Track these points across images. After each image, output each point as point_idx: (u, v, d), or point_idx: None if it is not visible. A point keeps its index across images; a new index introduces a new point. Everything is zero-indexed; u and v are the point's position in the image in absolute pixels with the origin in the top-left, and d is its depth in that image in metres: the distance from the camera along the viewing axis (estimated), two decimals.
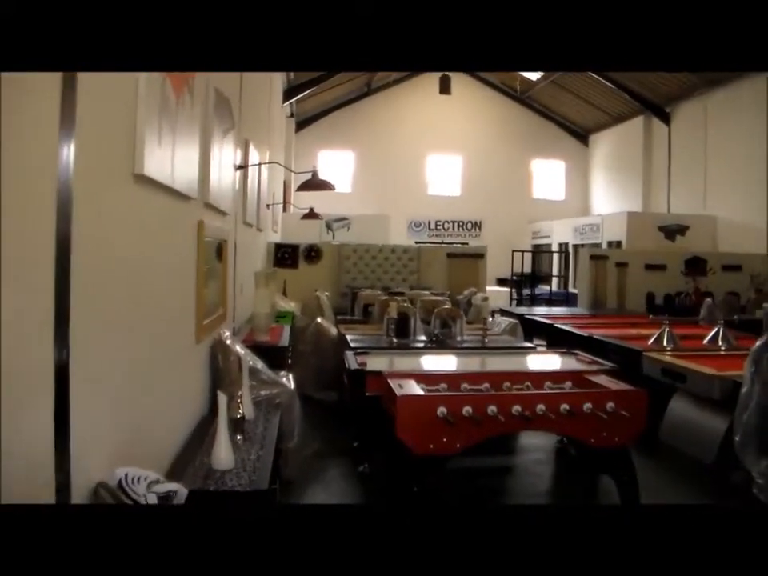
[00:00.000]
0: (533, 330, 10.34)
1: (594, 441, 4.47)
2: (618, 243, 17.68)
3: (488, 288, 14.11)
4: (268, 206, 11.64)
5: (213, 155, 4.96)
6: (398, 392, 4.44)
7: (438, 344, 7.48)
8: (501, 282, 21.05)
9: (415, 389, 4.63)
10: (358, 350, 6.35)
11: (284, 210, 17.99)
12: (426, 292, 11.60)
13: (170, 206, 3.69)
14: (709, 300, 11.44)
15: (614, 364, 6.00)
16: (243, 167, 7.07)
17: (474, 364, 6.22)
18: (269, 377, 5.45)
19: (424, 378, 5.06)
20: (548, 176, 26.20)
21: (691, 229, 17.33)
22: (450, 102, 24.00)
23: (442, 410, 4.24)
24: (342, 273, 13.29)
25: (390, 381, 4.81)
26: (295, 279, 12.76)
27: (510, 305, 17.52)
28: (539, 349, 8.06)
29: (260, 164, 8.48)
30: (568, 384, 5.14)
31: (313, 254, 13.21)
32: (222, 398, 3.70)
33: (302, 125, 23.49)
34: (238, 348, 5.51)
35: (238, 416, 4.30)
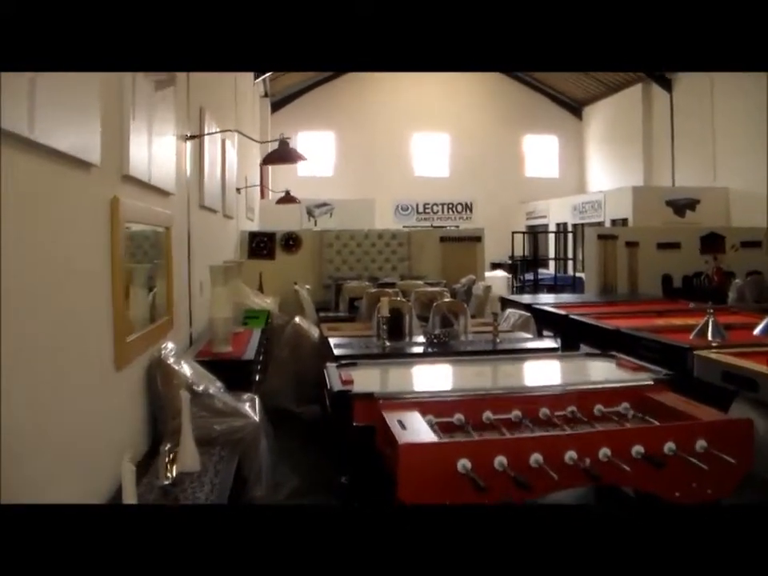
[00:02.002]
0: (541, 321, 8.99)
1: (680, 495, 3.13)
2: (624, 221, 16.38)
3: (486, 274, 12.89)
4: (239, 189, 10.34)
5: (135, 111, 3.62)
6: (400, 436, 3.09)
7: (440, 346, 6.18)
8: (495, 266, 19.69)
9: (422, 429, 3.28)
10: (343, 362, 5.04)
11: (261, 196, 16.72)
12: (420, 282, 10.25)
13: (36, 169, 2.36)
14: (738, 281, 10.26)
15: (663, 369, 4.69)
16: (195, 137, 5.72)
17: (490, 376, 4.91)
18: (226, 404, 4.15)
19: (432, 405, 3.72)
20: (541, 153, 24.96)
21: (702, 202, 16.07)
22: (434, 77, 22.76)
23: (464, 464, 2.90)
24: (325, 262, 11.91)
25: (386, 414, 3.48)
26: (272, 271, 11.42)
27: (512, 292, 16.19)
28: (553, 346, 6.78)
29: (222, 132, 7.11)
30: (625, 406, 3.83)
31: (291, 242, 11.84)
32: (127, 469, 2.38)
33: (277, 105, 22.15)
34: (185, 368, 4.21)
35: (167, 482, 2.98)
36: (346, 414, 4.07)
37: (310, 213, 17.16)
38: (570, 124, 24.77)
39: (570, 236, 20.19)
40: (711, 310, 6.45)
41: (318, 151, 23.40)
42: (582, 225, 18.67)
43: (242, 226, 11.66)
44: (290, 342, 7.35)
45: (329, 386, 4.39)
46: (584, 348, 8.54)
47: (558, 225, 20.93)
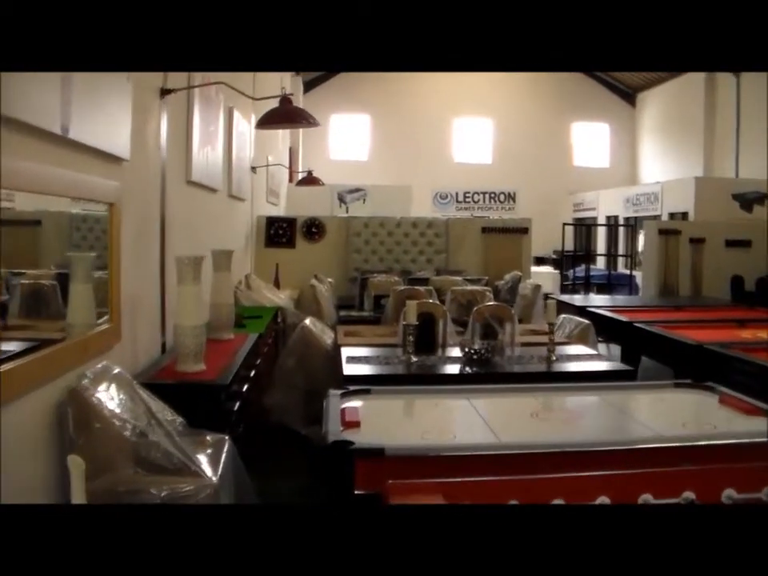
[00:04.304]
0: (595, 326, 7.61)
1: None
2: (684, 215, 14.86)
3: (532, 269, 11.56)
4: (254, 168, 9.10)
5: None
6: None
7: (480, 365, 4.89)
8: (539, 261, 18.23)
9: None
10: (351, 388, 3.77)
11: (290, 179, 15.50)
12: (458, 278, 8.90)
13: None
14: None
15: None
16: (172, 92, 4.45)
17: (550, 419, 3.59)
18: (171, 457, 2.89)
19: (470, 487, 2.42)
20: (590, 141, 23.40)
21: None
22: None
23: None
24: (351, 253, 10.57)
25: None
26: (292, 262, 10.11)
27: (561, 291, 14.72)
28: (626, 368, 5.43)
29: (214, 84, 5.84)
30: None
31: (314, 230, 10.52)
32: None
33: (310, 85, 20.85)
34: (117, 401, 2.97)
35: None
36: (344, 475, 2.82)
37: (341, 199, 15.96)
38: (623, 111, 23.19)
39: (621, 230, 18.68)
40: None
41: (353, 135, 22.24)
42: (636, 218, 17.24)
43: (260, 211, 10.42)
44: (297, 349, 6.06)
45: (324, 429, 3.11)
46: (645, 362, 7.24)
47: (608, 218, 19.41)
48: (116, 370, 3.19)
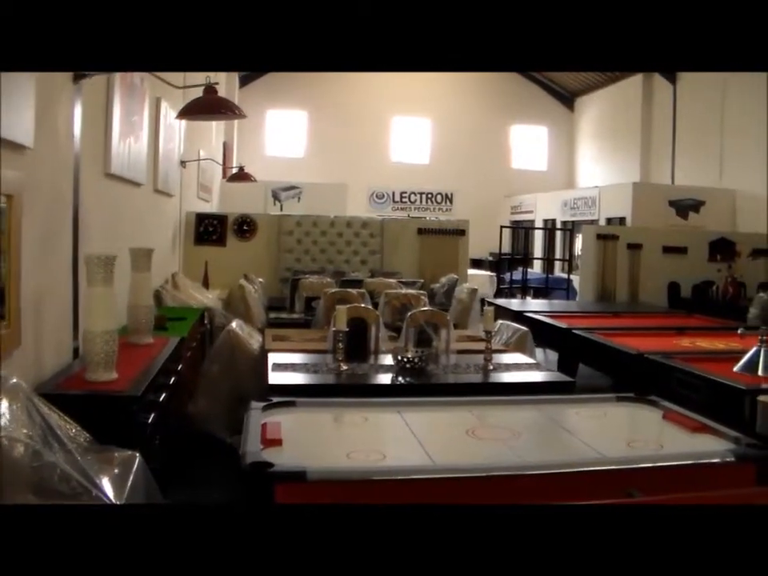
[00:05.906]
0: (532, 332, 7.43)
1: None
2: (621, 220, 14.83)
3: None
4: (183, 163, 8.76)
5: None
6: None
7: (413, 374, 4.65)
8: (475, 263, 18.10)
9: None
10: (274, 400, 3.51)
11: (224, 175, 15.16)
12: (392, 280, 8.67)
13: None
14: (763, 295, 8.87)
15: (731, 430, 3.19)
16: (85, 75, 4.13)
17: (483, 436, 3.36)
18: (70, 480, 2.58)
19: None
20: (528, 144, 23.34)
21: (706, 204, 14.59)
22: None
23: None
24: (283, 252, 10.33)
25: None
26: (222, 260, 9.87)
27: (499, 295, 14.59)
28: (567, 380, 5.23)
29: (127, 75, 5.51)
30: None
31: (246, 227, 10.27)
32: None
33: (246, 79, 20.40)
34: (7, 415, 2.66)
35: None
36: (262, 500, 2.57)
37: (275, 196, 15.75)
38: (561, 115, 23.19)
39: (558, 234, 18.67)
40: (765, 337, 4.97)
41: (290, 131, 21.88)
42: (573, 222, 17.24)
43: (190, 207, 10.11)
44: (222, 354, 5.76)
45: (242, 448, 2.83)
46: (583, 369, 7.10)
47: (545, 221, 19.35)
48: (12, 381, 2.87)
